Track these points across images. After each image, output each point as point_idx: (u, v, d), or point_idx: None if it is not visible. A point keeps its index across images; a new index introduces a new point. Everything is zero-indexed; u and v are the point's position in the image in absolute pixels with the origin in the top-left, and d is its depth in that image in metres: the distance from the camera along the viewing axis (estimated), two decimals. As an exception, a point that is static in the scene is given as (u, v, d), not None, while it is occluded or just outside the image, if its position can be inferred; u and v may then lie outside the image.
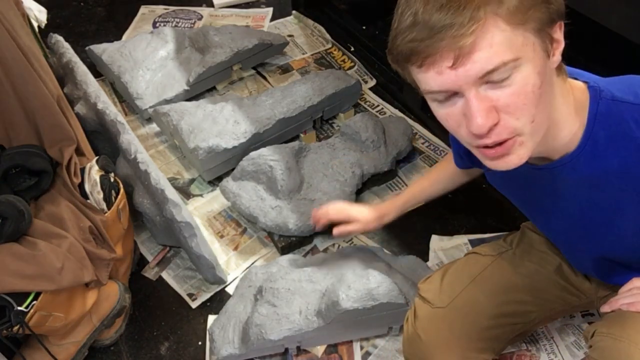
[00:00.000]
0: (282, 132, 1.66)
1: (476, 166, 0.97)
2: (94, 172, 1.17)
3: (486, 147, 0.64)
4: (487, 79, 0.58)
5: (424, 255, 1.40)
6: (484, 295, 0.96)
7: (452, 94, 0.62)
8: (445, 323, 0.94)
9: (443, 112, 0.65)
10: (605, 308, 0.80)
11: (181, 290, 1.38)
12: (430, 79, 0.60)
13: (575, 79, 0.72)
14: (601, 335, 0.78)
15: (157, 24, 2.28)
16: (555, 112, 0.67)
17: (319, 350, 1.24)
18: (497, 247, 1.04)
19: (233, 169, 1.53)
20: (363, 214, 1.19)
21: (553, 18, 0.61)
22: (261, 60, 1.98)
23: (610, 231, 0.78)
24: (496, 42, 0.56)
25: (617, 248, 0.81)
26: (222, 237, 1.50)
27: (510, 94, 0.59)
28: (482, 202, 1.54)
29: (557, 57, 0.64)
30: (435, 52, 0.57)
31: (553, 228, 0.89)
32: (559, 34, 0.63)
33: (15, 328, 0.98)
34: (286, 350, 1.21)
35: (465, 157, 0.97)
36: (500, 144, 0.63)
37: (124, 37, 2.21)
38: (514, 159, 0.64)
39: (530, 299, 0.97)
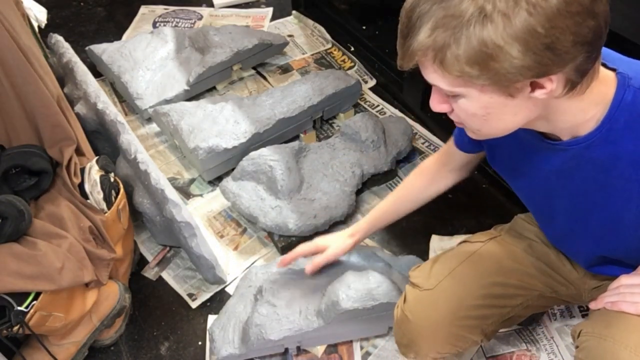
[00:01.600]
0: (282, 132, 1.66)
1: (480, 148, 0.97)
2: (94, 172, 1.17)
3: None
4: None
5: (424, 255, 1.40)
6: (470, 277, 0.97)
7: None
8: (431, 303, 0.95)
9: None
10: (592, 305, 0.80)
11: (181, 290, 1.38)
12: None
13: (604, 65, 0.70)
14: (587, 335, 0.79)
15: (157, 24, 2.28)
16: (562, 114, 0.69)
17: (319, 350, 1.24)
18: (487, 234, 1.05)
19: (233, 169, 1.53)
20: (330, 240, 1.19)
21: (540, 73, 0.61)
22: (261, 60, 1.98)
23: (610, 221, 0.78)
24: (434, 75, 0.65)
25: (614, 239, 0.81)
26: (222, 237, 1.50)
27: (456, 106, 0.68)
28: (482, 202, 1.55)
29: (537, 93, 0.64)
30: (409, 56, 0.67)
31: (553, 209, 0.88)
32: (545, 81, 0.62)
33: (15, 328, 0.98)
34: (286, 350, 1.21)
35: (468, 137, 0.96)
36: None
37: (124, 37, 2.21)
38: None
39: (517, 283, 0.98)
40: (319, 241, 1.20)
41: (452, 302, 0.95)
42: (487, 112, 0.67)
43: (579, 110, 0.69)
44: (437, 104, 0.70)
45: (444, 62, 0.61)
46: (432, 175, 1.10)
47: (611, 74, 0.70)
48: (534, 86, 0.63)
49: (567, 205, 0.83)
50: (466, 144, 0.99)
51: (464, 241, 1.06)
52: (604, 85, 0.69)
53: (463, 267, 0.98)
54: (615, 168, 0.72)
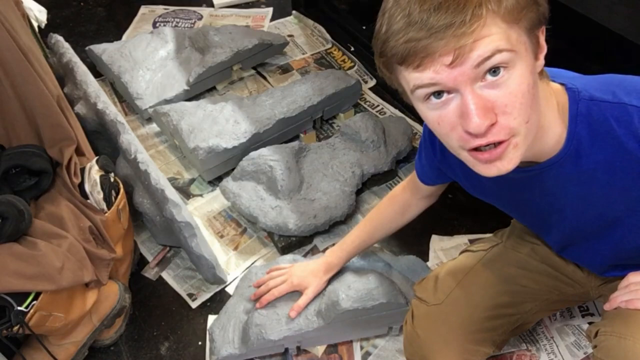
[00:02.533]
0: (282, 132, 1.66)
1: (448, 180, 0.97)
2: (94, 172, 1.17)
3: (478, 151, 0.63)
4: (482, 69, 0.58)
5: (424, 255, 1.40)
6: (477, 288, 0.96)
7: (446, 93, 0.61)
8: (441, 318, 0.95)
9: (435, 115, 0.63)
10: (606, 307, 0.80)
11: (181, 290, 1.38)
12: (427, 77, 0.60)
13: (553, 80, 0.72)
14: (605, 335, 0.78)
15: (157, 24, 2.28)
16: (541, 116, 0.67)
17: (319, 350, 1.24)
18: (488, 242, 1.05)
19: (233, 169, 1.53)
20: (306, 279, 1.17)
21: (540, 20, 0.62)
22: (261, 60, 1.98)
23: (604, 228, 0.78)
24: (494, 34, 0.57)
25: (612, 245, 0.81)
26: (222, 237, 1.50)
27: (508, 93, 0.59)
28: (482, 202, 1.54)
29: (541, 61, 0.64)
30: (435, 51, 0.57)
31: (544, 226, 0.89)
32: (542, 38, 0.64)
33: (15, 328, 0.98)
34: (286, 350, 1.21)
35: (437, 170, 0.96)
36: (495, 146, 0.62)
37: (124, 37, 2.21)
38: (506, 164, 0.64)
39: (523, 289, 0.98)
40: (295, 280, 1.18)
41: (462, 316, 0.94)
42: (534, 81, 0.61)
43: (552, 117, 0.69)
44: (483, 113, 0.59)
45: (508, 5, 0.57)
46: (402, 204, 1.11)
47: (561, 87, 0.71)
48: (538, 46, 0.63)
49: (559, 219, 0.84)
50: (429, 178, 1.00)
51: (466, 250, 1.05)
52: (559, 95, 0.70)
53: (469, 278, 0.97)
54: (593, 178, 0.73)
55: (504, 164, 0.64)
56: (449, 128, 0.63)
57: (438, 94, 0.61)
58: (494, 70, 0.58)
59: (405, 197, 1.10)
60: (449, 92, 0.60)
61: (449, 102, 0.61)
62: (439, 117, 0.63)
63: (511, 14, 0.57)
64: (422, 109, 0.65)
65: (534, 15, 0.60)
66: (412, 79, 0.61)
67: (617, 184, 0.72)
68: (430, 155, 0.94)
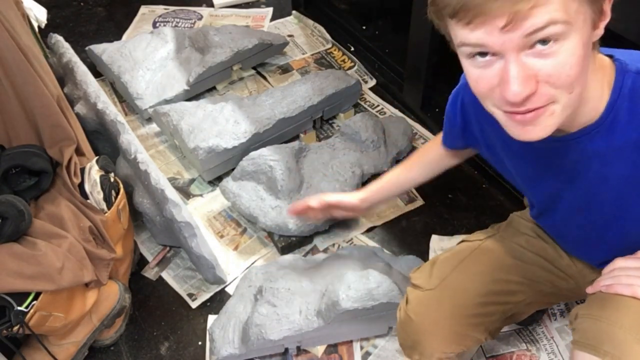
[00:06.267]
0: (282, 132, 1.66)
1: (470, 146, 0.97)
2: (94, 172, 1.17)
3: (515, 112, 0.61)
4: (533, 39, 0.56)
5: (424, 255, 1.40)
6: (471, 275, 0.97)
7: (491, 54, 0.59)
8: (434, 303, 0.95)
9: (476, 73, 0.62)
10: (589, 290, 0.80)
11: (181, 290, 1.38)
12: (475, 37, 0.58)
13: (601, 52, 0.70)
14: (583, 317, 0.79)
15: (157, 24, 2.28)
16: (585, 87, 0.65)
17: (319, 350, 1.24)
18: (484, 232, 1.06)
19: (233, 169, 1.53)
20: (345, 197, 1.14)
21: None
22: (261, 60, 1.98)
23: (618, 211, 0.78)
24: (552, 2, 0.55)
25: (621, 231, 0.81)
26: (222, 237, 1.50)
27: (556, 64, 0.57)
28: (482, 202, 1.55)
29: (600, 30, 0.62)
30: (489, 12, 0.55)
31: (554, 203, 0.88)
32: (608, 5, 0.61)
33: (15, 328, 0.98)
34: (286, 350, 1.21)
35: (459, 137, 0.96)
36: (532, 110, 0.60)
37: (124, 37, 2.21)
38: (538, 131, 0.62)
39: (517, 279, 0.98)
40: (331, 197, 1.15)
41: (455, 300, 0.95)
42: (585, 53, 0.58)
43: (595, 89, 0.68)
44: (523, 83, 0.57)
45: None
46: (436, 154, 1.09)
47: (608, 60, 0.70)
48: (601, 15, 0.61)
49: (570, 200, 0.83)
50: (450, 142, 1.00)
51: (463, 240, 1.06)
52: (607, 68, 0.68)
53: (464, 265, 0.98)
54: (621, 156, 0.71)
55: (536, 131, 0.62)
56: (487, 88, 0.62)
57: (484, 54, 0.60)
58: (544, 40, 0.57)
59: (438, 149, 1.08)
60: (494, 54, 0.59)
61: (492, 63, 0.60)
62: (479, 75, 0.62)
63: None
64: (465, 63, 0.64)
65: None
66: (460, 35, 0.59)
67: None
68: (452, 120, 0.94)
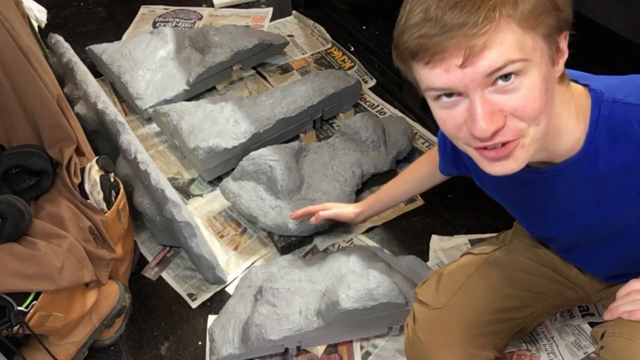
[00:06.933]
0: (282, 132, 1.66)
1: (463, 174, 0.97)
2: (94, 172, 1.17)
3: (485, 148, 0.63)
4: (494, 77, 0.58)
5: (424, 255, 1.40)
6: (479, 292, 0.96)
7: (456, 95, 0.61)
8: (443, 322, 0.94)
9: (443, 114, 0.64)
10: (606, 316, 0.79)
11: (181, 290, 1.38)
12: (436, 77, 0.60)
13: (575, 81, 0.72)
14: (613, 336, 0.77)
15: (157, 24, 2.28)
16: (557, 118, 0.67)
17: (319, 350, 1.24)
18: (490, 245, 1.05)
19: (233, 169, 1.53)
20: (337, 204, 1.33)
21: (561, 26, 0.61)
22: (261, 60, 1.98)
23: (617, 230, 0.78)
24: (507, 42, 0.56)
25: (621, 251, 0.81)
26: (222, 237, 1.50)
27: (519, 98, 0.59)
28: (482, 202, 1.54)
29: (560, 66, 0.64)
30: (445, 50, 0.57)
31: (551, 231, 0.89)
32: (564, 43, 0.63)
33: (15, 328, 0.98)
34: (286, 350, 1.21)
35: (451, 165, 0.97)
36: (502, 145, 0.62)
37: (124, 37, 2.21)
38: (512, 164, 0.64)
39: (526, 294, 0.97)
40: (327, 204, 1.32)
41: (464, 320, 0.94)
42: (546, 87, 0.60)
43: (569, 120, 0.69)
44: (490, 119, 0.59)
45: (524, 10, 0.56)
46: (432, 168, 1.12)
47: (584, 89, 0.71)
48: (558, 52, 0.63)
49: (565, 226, 0.83)
50: (443, 169, 1.03)
51: (468, 253, 1.05)
52: (581, 96, 0.70)
53: (471, 281, 0.97)
54: (609, 181, 0.72)
55: (510, 164, 0.64)
56: (454, 127, 0.64)
57: (449, 94, 0.62)
58: (506, 76, 0.58)
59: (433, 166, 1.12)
60: (459, 94, 0.61)
61: (458, 103, 0.62)
62: (446, 115, 0.64)
63: (527, 19, 0.57)
64: (432, 105, 0.66)
65: (554, 21, 0.59)
66: (425, 79, 0.62)
67: (633, 188, 0.71)
68: (443, 150, 0.98)
